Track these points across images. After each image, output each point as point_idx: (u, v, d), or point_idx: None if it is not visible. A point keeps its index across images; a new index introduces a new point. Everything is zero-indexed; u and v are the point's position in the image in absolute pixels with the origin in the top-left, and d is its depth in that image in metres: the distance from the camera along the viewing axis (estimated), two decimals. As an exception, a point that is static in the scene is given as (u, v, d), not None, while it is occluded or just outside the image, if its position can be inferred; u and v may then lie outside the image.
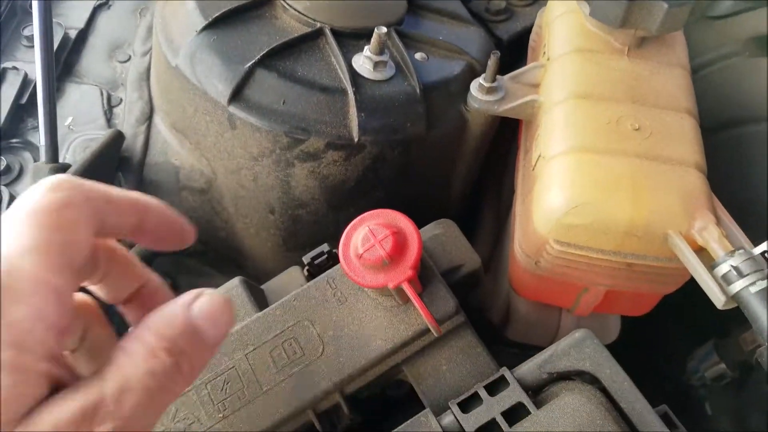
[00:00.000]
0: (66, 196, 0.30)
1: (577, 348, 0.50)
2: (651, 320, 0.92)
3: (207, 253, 0.72)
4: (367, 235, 0.51)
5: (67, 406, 0.28)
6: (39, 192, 0.30)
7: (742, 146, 0.79)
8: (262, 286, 0.63)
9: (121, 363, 0.31)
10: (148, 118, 0.73)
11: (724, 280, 0.49)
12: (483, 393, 0.49)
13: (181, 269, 0.73)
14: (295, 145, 0.62)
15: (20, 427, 0.27)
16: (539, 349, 0.75)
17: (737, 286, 0.48)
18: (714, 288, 0.49)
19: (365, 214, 0.53)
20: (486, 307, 0.78)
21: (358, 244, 0.51)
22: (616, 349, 0.85)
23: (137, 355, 0.32)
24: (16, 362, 0.27)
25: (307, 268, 0.61)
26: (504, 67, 0.68)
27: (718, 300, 0.49)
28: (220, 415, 0.54)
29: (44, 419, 0.28)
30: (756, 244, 0.51)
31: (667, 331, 0.93)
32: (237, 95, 0.61)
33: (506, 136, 0.80)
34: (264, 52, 0.62)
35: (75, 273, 0.30)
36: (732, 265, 0.48)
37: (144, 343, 0.32)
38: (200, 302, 0.34)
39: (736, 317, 0.83)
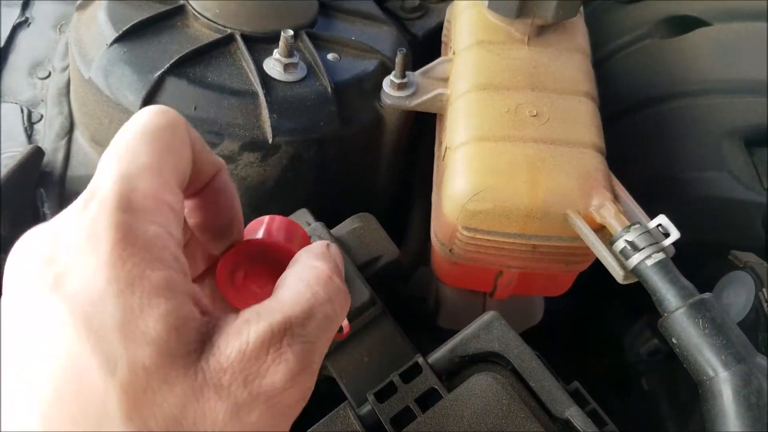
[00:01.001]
0: (173, 119, 0.30)
1: (486, 330, 0.52)
2: (589, 300, 0.95)
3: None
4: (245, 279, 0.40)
5: (253, 329, 0.27)
6: (148, 114, 0.30)
7: (659, 124, 0.82)
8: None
9: (300, 289, 0.31)
10: (69, 132, 0.73)
11: (622, 255, 0.51)
12: (398, 380, 0.50)
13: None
14: (210, 149, 0.62)
15: (205, 358, 0.26)
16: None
17: (634, 260, 0.50)
18: (613, 263, 0.51)
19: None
20: (426, 297, 0.80)
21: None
22: (557, 330, 0.88)
23: (315, 280, 0.32)
24: (168, 281, 0.25)
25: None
26: (421, 63, 0.69)
27: (618, 275, 0.51)
28: None
29: (230, 344, 0.26)
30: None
31: (604, 311, 0.95)
32: (148, 104, 0.62)
33: (433, 131, 0.82)
34: (174, 59, 0.62)
35: (181, 192, 0.30)
36: (627, 240, 0.50)
37: (318, 269, 0.33)
38: (333, 247, 0.37)
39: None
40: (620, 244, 0.51)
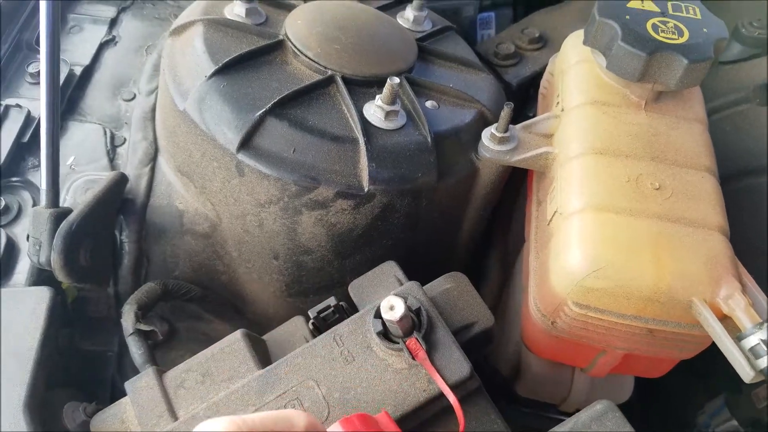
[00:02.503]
0: None
1: (599, 422, 0.48)
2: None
3: (207, 298, 0.69)
4: None
5: None
6: None
7: (755, 196, 0.78)
8: (264, 337, 0.60)
9: None
10: (153, 159, 0.72)
11: (753, 353, 0.47)
12: (500, 467, 0.47)
13: (180, 314, 0.70)
14: (303, 194, 0.60)
15: None
16: (549, 406, 0.73)
17: (767, 360, 0.45)
18: (741, 361, 0.47)
19: None
20: (494, 356, 0.76)
21: None
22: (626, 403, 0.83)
23: None
24: None
25: (312, 321, 0.58)
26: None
27: (746, 374, 0.46)
28: None
29: None
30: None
31: (676, 383, 0.90)
32: (246, 143, 0.60)
33: (514, 184, 0.79)
34: (275, 100, 0.60)
35: None
36: (762, 339, 0.46)
37: None
38: None
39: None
40: (751, 341, 0.47)
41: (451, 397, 0.49)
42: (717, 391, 0.85)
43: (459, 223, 0.71)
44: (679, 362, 0.86)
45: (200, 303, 0.69)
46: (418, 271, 0.60)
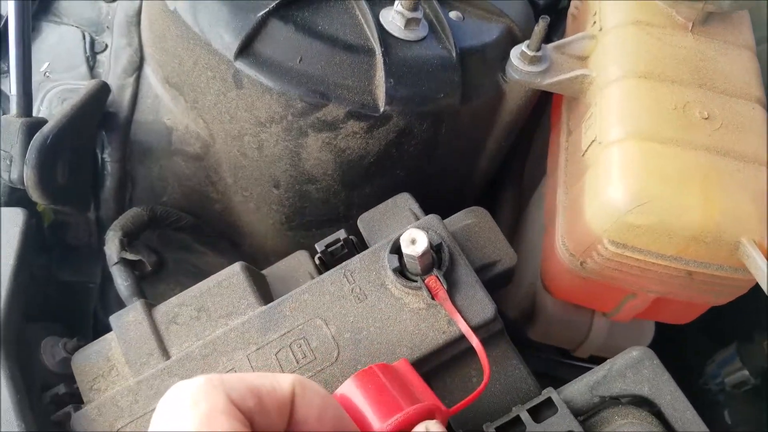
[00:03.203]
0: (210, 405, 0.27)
1: (635, 369, 0.44)
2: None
3: (199, 228, 0.63)
4: None
5: None
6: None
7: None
8: (264, 272, 0.55)
9: None
10: (138, 68, 0.64)
11: (805, 299, 0.42)
12: (526, 417, 0.43)
13: (170, 245, 0.64)
14: (310, 112, 0.53)
15: None
16: (562, 351, 0.70)
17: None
18: (794, 307, 0.43)
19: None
20: (501, 300, 0.71)
21: None
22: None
23: None
24: None
25: (318, 256, 0.53)
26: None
27: (798, 321, 0.42)
28: None
29: None
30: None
31: (685, 331, 0.88)
32: (246, 49, 0.52)
33: (532, 113, 0.73)
34: (280, -1, 0.52)
35: None
36: (818, 283, 0.42)
37: None
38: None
39: (762, 322, 0.78)
40: (803, 286, 0.43)
41: (474, 341, 0.44)
42: (728, 341, 0.82)
43: (478, 154, 0.65)
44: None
45: (191, 233, 0.63)
46: (429, 204, 0.55)
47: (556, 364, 0.67)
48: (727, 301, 0.53)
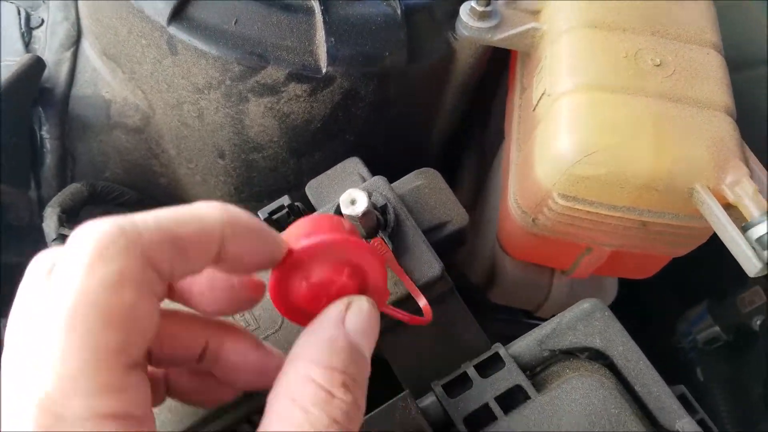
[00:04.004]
0: (119, 269, 0.24)
1: (586, 321, 0.43)
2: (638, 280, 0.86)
3: (144, 203, 0.61)
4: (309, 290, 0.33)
5: None
6: (80, 272, 0.23)
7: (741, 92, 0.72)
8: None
9: (292, 416, 0.25)
10: (75, 42, 0.61)
11: (760, 244, 0.41)
12: (473, 373, 0.42)
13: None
14: (249, 75, 0.51)
15: None
16: (526, 313, 0.69)
17: (777, 251, 0.40)
18: (748, 253, 0.41)
19: (292, 251, 0.32)
20: (465, 265, 0.70)
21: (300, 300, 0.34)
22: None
23: (311, 401, 0.26)
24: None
25: (263, 224, 0.51)
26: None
27: (753, 267, 0.41)
28: None
29: None
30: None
31: (655, 289, 0.87)
32: (179, 13, 0.50)
33: (493, 74, 0.71)
34: (211, -41, 0.50)
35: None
36: (771, 227, 0.40)
37: (315, 384, 0.26)
38: (352, 314, 0.30)
39: (734, 277, 0.77)
40: (759, 231, 0.41)
41: (423, 301, 0.43)
42: (699, 298, 0.82)
43: (432, 116, 0.64)
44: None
45: (136, 209, 0.61)
46: (386, 171, 0.53)
47: (519, 325, 0.66)
48: (686, 251, 0.52)
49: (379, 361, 0.48)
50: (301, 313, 0.34)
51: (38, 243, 0.61)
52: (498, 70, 0.69)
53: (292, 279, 0.33)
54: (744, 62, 0.73)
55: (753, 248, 0.42)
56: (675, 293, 0.84)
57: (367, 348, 0.30)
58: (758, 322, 0.71)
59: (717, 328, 0.77)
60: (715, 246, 0.74)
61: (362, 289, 0.35)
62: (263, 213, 0.50)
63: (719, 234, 0.44)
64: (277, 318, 0.46)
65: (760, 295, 0.73)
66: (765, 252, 0.41)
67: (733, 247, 0.43)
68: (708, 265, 0.78)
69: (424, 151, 0.67)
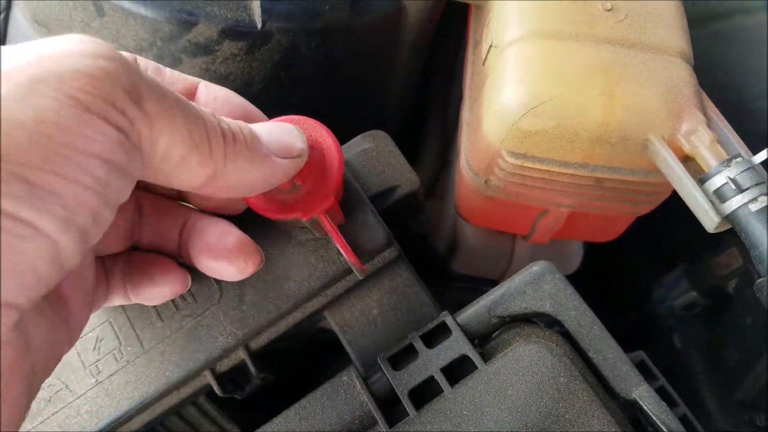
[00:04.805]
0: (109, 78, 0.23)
1: (535, 285, 0.40)
2: (612, 242, 0.84)
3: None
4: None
5: None
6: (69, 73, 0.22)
7: (734, 39, 0.69)
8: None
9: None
10: (5, 8, 0.58)
11: (718, 196, 0.39)
12: (419, 345, 0.39)
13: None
14: (180, 34, 0.48)
15: None
16: (490, 282, 0.66)
17: (735, 202, 0.38)
18: (705, 206, 0.39)
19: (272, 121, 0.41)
20: (432, 236, 0.68)
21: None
22: (575, 277, 0.77)
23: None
24: None
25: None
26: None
27: (710, 221, 0.39)
28: (93, 380, 0.43)
29: None
30: (754, 152, 0.41)
31: (630, 255, 0.85)
32: (99, -31, 0.47)
33: (454, 35, 0.68)
34: None
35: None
36: (729, 177, 0.38)
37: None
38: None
39: (709, 240, 0.75)
40: (716, 182, 0.39)
41: (352, 258, 0.40)
42: (675, 264, 0.79)
43: (385, 78, 0.60)
44: (635, 233, 0.80)
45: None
46: (340, 136, 0.50)
47: (479, 293, 0.64)
48: (648, 209, 0.49)
49: (334, 341, 0.46)
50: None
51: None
52: (458, 30, 0.66)
53: None
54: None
55: (710, 201, 0.39)
56: (651, 259, 0.82)
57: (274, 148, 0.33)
58: (733, 285, 0.69)
59: (694, 293, 0.75)
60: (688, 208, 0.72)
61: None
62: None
63: (676, 187, 0.41)
64: (214, 294, 0.43)
65: (736, 258, 0.71)
66: (723, 205, 0.39)
67: (690, 201, 0.40)
68: (685, 229, 0.76)
69: (379, 116, 0.64)
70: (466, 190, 0.51)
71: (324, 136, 0.40)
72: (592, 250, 0.76)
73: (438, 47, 0.67)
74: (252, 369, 0.44)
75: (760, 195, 0.38)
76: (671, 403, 0.39)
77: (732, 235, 0.39)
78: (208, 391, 0.44)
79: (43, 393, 0.43)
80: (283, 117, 0.41)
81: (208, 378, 0.43)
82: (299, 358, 0.51)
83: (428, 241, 0.69)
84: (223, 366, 0.43)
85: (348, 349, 0.44)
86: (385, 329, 0.44)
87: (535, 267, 0.40)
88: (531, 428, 0.34)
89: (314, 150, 0.39)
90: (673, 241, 0.78)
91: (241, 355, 0.43)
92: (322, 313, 0.45)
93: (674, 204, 0.70)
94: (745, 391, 0.60)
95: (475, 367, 0.38)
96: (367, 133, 0.50)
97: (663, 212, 0.75)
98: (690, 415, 0.39)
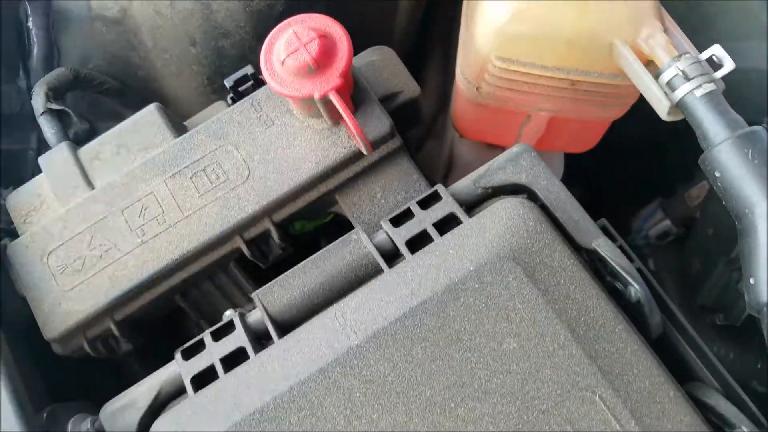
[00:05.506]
0: None
1: (514, 162, 0.47)
2: (595, 183, 0.91)
3: (124, 92, 0.66)
4: (291, 38, 0.47)
5: None
6: None
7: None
8: (185, 123, 0.58)
9: None
10: None
11: (669, 87, 0.46)
12: (415, 208, 0.47)
13: (99, 112, 0.67)
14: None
15: None
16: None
17: (682, 90, 0.45)
18: (659, 94, 0.46)
19: (291, 18, 0.49)
20: (430, 169, 0.75)
21: (281, 49, 0.47)
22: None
23: None
24: None
25: (231, 96, 0.56)
26: None
27: (663, 107, 0.46)
28: (138, 240, 0.51)
29: None
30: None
31: (611, 193, 0.92)
32: None
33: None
34: None
35: None
36: (679, 68, 0.45)
37: None
38: None
39: (683, 174, 0.83)
40: (669, 74, 0.46)
41: (358, 129, 0.47)
42: (651, 199, 0.87)
43: (393, 8, 0.68)
44: (616, 172, 0.87)
45: (118, 98, 0.66)
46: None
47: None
48: (619, 114, 0.56)
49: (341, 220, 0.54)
50: None
51: (31, 130, 0.66)
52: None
53: None
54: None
55: (663, 92, 0.47)
56: (629, 195, 0.89)
57: None
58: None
59: (668, 221, 0.83)
60: (663, 146, 0.79)
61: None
62: (229, 81, 0.55)
63: (635, 83, 0.49)
64: (244, 172, 0.51)
65: (705, 189, 0.79)
66: (674, 93, 0.46)
67: (647, 92, 0.48)
68: (662, 166, 0.83)
69: (387, 35, 0.71)
70: (461, 102, 0.59)
71: (335, 27, 0.48)
72: (575, 187, 0.83)
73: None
74: (275, 238, 0.52)
75: (704, 83, 0.45)
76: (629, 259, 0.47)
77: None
78: (237, 257, 0.52)
79: (95, 251, 0.51)
80: (301, 15, 0.49)
81: (239, 242, 0.51)
82: (314, 240, 0.58)
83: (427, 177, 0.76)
84: (251, 233, 0.51)
85: (356, 225, 0.52)
86: (388, 209, 0.52)
87: (515, 148, 0.48)
88: (503, 260, 0.41)
89: (326, 38, 0.47)
90: (650, 178, 0.85)
91: (267, 224, 0.51)
92: (334, 195, 0.53)
93: (652, 144, 0.78)
94: (705, 295, 0.68)
95: (461, 222, 0.45)
96: (374, 47, 0.57)
97: (642, 152, 0.82)
98: (644, 268, 0.46)
